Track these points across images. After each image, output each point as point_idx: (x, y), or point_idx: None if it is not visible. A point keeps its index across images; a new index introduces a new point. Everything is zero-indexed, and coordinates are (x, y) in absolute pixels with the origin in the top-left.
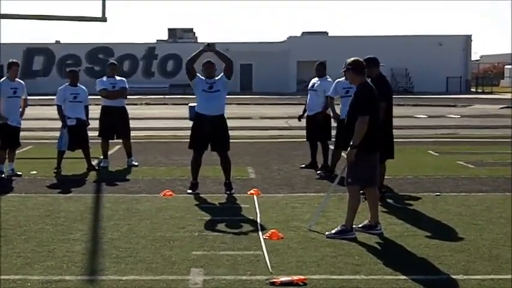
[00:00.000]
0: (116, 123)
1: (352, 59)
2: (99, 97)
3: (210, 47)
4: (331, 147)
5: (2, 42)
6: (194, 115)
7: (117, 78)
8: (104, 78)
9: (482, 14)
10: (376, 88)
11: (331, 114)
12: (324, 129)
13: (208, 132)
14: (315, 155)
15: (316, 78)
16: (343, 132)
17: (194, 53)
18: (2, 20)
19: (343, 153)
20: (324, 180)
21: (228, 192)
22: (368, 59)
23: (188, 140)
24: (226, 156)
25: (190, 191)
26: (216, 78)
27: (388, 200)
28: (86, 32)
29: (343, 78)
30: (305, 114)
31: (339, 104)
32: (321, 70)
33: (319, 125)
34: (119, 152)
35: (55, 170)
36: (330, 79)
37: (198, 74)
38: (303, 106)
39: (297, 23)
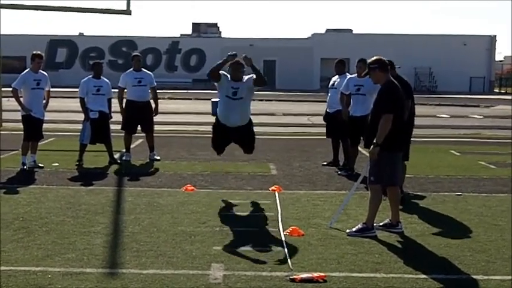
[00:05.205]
0: (139, 117)
1: (375, 57)
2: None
3: (245, 59)
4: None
5: (25, 33)
6: (216, 117)
7: (144, 71)
8: (130, 72)
9: (508, 14)
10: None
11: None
12: (344, 126)
13: (231, 138)
14: (337, 153)
15: (336, 76)
16: (357, 130)
17: (217, 63)
18: (21, 11)
19: (362, 150)
20: (345, 178)
21: None
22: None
23: (211, 135)
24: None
25: None
26: (244, 80)
27: (409, 200)
28: (110, 24)
29: (355, 75)
30: (326, 112)
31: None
32: (340, 67)
33: (339, 122)
34: (141, 145)
35: (77, 163)
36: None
37: (223, 73)
38: (326, 104)
39: (322, 20)
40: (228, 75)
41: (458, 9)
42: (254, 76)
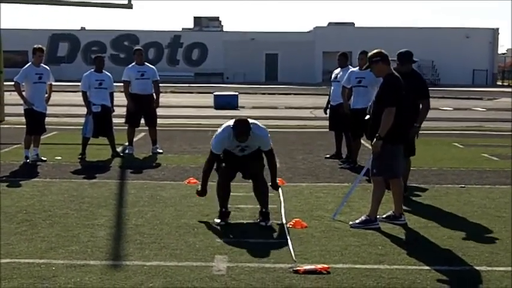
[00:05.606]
0: (143, 110)
1: (376, 50)
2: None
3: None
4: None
5: (27, 28)
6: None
7: (147, 65)
8: (133, 66)
9: (508, 13)
10: (415, 83)
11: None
12: (347, 120)
13: (238, 162)
14: (340, 146)
15: (339, 69)
16: (359, 123)
17: (203, 180)
18: (22, 5)
19: (365, 143)
20: (348, 170)
21: (263, 223)
22: (406, 53)
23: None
24: (261, 178)
25: (218, 221)
26: (252, 140)
27: (413, 192)
28: (111, 19)
29: (357, 68)
30: (329, 105)
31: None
32: (343, 60)
33: (341, 115)
34: (144, 139)
35: (79, 156)
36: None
37: (221, 140)
38: (327, 97)
39: (323, 14)
40: (226, 137)
41: (458, 9)
42: (265, 148)
